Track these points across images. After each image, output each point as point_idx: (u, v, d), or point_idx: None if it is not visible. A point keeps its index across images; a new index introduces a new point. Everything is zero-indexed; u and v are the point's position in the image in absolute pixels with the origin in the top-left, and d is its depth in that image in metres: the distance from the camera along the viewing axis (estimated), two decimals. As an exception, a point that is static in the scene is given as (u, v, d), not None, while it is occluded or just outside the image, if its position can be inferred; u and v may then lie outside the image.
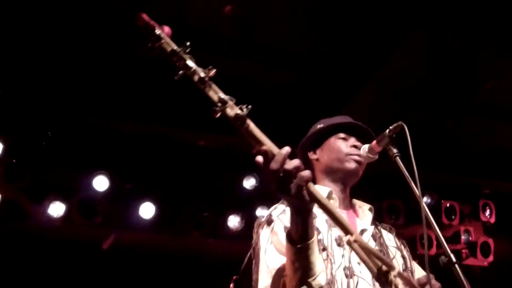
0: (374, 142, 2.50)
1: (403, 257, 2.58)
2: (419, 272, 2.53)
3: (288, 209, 2.22)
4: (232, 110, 1.79)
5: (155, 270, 6.41)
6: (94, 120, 5.93)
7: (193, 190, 6.32)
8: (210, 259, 6.56)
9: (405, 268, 2.51)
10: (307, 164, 2.72)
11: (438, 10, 5.06)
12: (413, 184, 2.28)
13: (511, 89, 6.30)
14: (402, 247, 2.65)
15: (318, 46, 5.62)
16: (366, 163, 2.62)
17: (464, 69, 5.98)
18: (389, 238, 2.63)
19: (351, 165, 2.59)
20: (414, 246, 7.12)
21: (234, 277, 4.70)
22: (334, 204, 2.52)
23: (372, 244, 2.44)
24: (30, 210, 5.75)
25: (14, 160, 5.64)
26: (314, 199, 1.87)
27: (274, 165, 1.78)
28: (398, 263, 2.49)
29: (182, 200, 6.32)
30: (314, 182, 2.65)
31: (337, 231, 2.35)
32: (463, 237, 7.61)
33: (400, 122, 2.39)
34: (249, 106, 1.81)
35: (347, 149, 2.62)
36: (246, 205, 6.49)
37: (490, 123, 6.84)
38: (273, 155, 1.78)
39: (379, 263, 1.91)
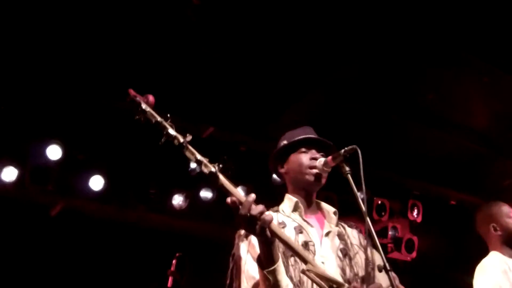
0: (330, 158, 2.82)
1: (365, 250, 2.81)
2: (378, 258, 2.69)
3: None
4: (207, 168, 2.22)
5: (99, 238, 6.55)
6: (53, 90, 5.98)
7: (142, 167, 6.50)
8: (153, 233, 6.81)
9: (366, 260, 2.74)
10: (280, 176, 3.14)
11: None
12: (360, 201, 2.57)
13: (448, 100, 6.78)
14: (365, 241, 2.92)
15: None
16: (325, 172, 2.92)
17: (406, 79, 6.42)
18: (354, 236, 2.96)
19: (311, 178, 2.91)
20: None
21: (178, 254, 4.94)
22: (301, 212, 2.90)
23: (337, 243, 2.83)
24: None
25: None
26: (275, 235, 2.32)
27: (242, 211, 2.21)
28: (360, 258, 2.82)
29: (131, 175, 6.49)
30: (286, 191, 3.06)
31: (303, 237, 2.74)
32: (390, 233, 8.05)
33: (354, 146, 2.70)
34: (221, 165, 2.22)
35: (307, 162, 2.93)
36: (191, 186, 6.73)
37: (427, 130, 7.26)
38: (241, 203, 2.21)
39: (331, 283, 2.38)
